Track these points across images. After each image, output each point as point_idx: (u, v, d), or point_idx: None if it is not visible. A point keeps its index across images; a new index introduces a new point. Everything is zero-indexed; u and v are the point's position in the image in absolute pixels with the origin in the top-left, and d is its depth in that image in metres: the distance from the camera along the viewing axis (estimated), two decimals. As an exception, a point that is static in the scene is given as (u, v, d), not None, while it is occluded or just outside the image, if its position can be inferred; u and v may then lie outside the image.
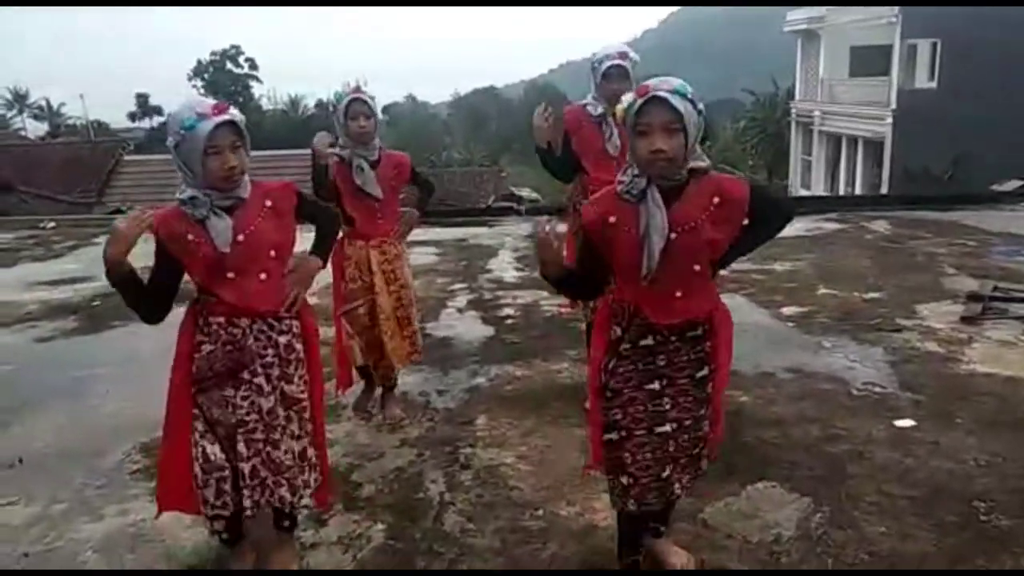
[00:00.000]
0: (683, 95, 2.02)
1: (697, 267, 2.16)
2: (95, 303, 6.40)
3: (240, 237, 2.30)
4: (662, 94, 2.01)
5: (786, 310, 5.59)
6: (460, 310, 5.96)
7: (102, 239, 7.40)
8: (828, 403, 3.96)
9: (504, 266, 7.43)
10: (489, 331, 5.40)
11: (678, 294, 2.18)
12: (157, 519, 2.70)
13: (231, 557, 2.68)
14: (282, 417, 2.45)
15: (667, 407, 2.29)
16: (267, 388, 2.41)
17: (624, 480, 2.32)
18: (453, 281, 6.84)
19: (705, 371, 2.31)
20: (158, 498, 2.59)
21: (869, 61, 22.83)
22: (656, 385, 2.28)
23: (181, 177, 2.30)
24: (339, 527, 2.99)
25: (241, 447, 2.38)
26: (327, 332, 3.72)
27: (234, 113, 2.24)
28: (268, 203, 2.37)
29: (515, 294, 6.33)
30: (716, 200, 2.13)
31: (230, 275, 2.31)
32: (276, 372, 2.43)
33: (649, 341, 2.25)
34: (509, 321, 5.62)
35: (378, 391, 4.02)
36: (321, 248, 2.63)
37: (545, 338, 5.13)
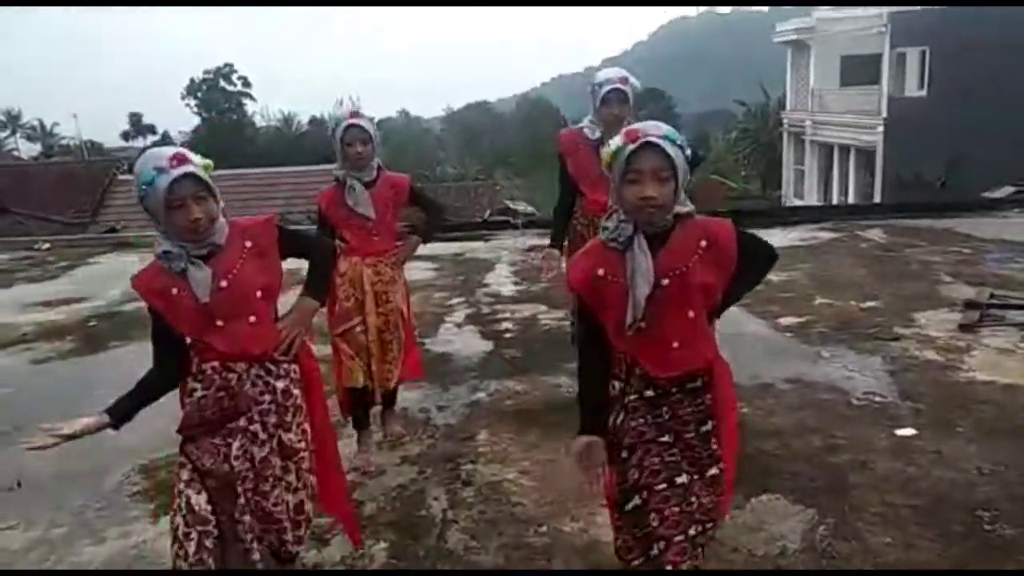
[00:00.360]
0: (673, 141, 1.98)
1: (691, 313, 2.08)
2: (91, 324, 6.39)
3: (223, 283, 2.22)
4: (654, 140, 1.96)
5: (783, 320, 5.60)
6: (459, 325, 5.96)
7: (97, 259, 7.39)
8: (828, 413, 3.97)
9: (502, 280, 7.44)
10: (488, 346, 5.40)
11: (675, 344, 2.09)
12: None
13: None
14: (278, 468, 2.34)
15: (679, 459, 2.16)
16: (263, 436, 2.31)
17: (655, 550, 2.12)
18: (451, 296, 6.84)
19: (708, 426, 2.18)
20: None
21: (859, 70, 23.01)
22: (668, 438, 2.15)
23: (155, 230, 2.25)
24: (342, 547, 2.97)
25: (242, 500, 2.28)
26: (324, 349, 3.71)
27: (195, 163, 2.14)
28: (248, 243, 2.28)
29: (513, 308, 6.33)
30: (703, 244, 2.07)
31: (219, 323, 2.24)
32: (273, 419, 2.33)
33: (651, 393, 2.15)
34: (508, 335, 5.61)
35: (377, 408, 3.99)
36: (314, 286, 2.51)
37: (544, 352, 5.13)
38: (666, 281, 2.04)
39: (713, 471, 2.18)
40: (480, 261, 8.38)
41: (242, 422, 2.29)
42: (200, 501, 2.26)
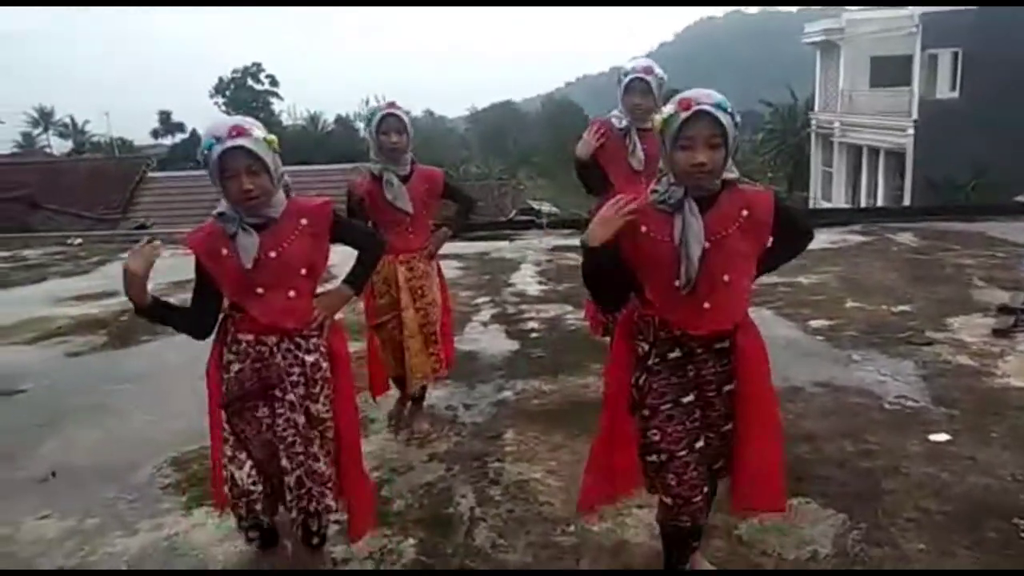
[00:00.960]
0: (724, 109, 2.04)
1: (726, 278, 2.15)
2: (123, 318, 6.46)
3: (272, 254, 2.31)
4: (707, 108, 2.02)
5: (814, 323, 5.54)
6: (485, 324, 5.96)
7: (128, 255, 7.42)
8: (860, 417, 3.92)
9: (527, 280, 7.43)
10: (514, 345, 5.40)
11: (706, 305, 2.17)
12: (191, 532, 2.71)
13: (263, 560, 2.66)
14: (312, 433, 2.45)
15: (698, 420, 2.28)
16: (297, 404, 2.41)
17: (669, 501, 2.29)
18: (477, 295, 6.85)
19: (732, 385, 2.28)
20: (215, 496, 2.62)
21: (890, 71, 22.70)
22: (691, 396, 2.27)
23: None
24: (370, 542, 2.97)
25: (284, 462, 2.39)
26: (358, 345, 3.74)
27: (251, 136, 2.20)
28: (303, 222, 2.36)
29: (539, 308, 6.32)
30: (745, 212, 2.15)
31: (259, 291, 2.33)
32: (301, 391, 2.42)
33: (677, 353, 2.24)
34: (534, 335, 5.61)
35: (408, 404, 4.02)
36: (357, 276, 2.62)
37: (571, 352, 5.12)
38: (707, 244, 2.11)
39: (727, 427, 2.31)
40: (505, 261, 8.39)
41: (278, 392, 2.38)
42: (242, 475, 2.39)
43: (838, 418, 3.92)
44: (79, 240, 10.80)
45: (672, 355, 2.24)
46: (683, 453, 2.25)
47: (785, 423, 3.83)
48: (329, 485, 2.47)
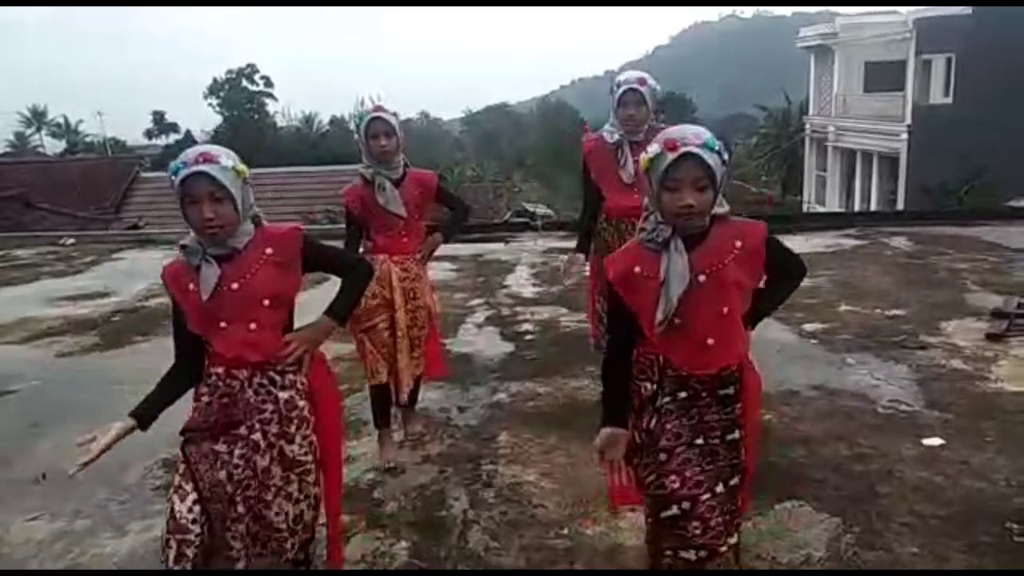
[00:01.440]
0: (712, 148, 1.98)
1: (726, 309, 2.09)
2: (115, 318, 6.44)
3: (234, 286, 2.21)
4: (693, 150, 1.96)
5: (808, 327, 5.54)
6: (479, 326, 5.95)
7: (120, 255, 7.48)
8: (854, 421, 3.92)
9: (522, 282, 7.43)
10: (508, 347, 5.39)
11: (710, 342, 2.10)
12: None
13: None
14: (278, 478, 2.30)
15: (711, 466, 2.16)
16: (263, 445, 2.28)
17: (692, 556, 2.11)
18: (471, 297, 6.83)
19: (736, 434, 2.18)
20: None
21: (884, 76, 22.79)
22: (702, 440, 2.15)
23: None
24: (362, 545, 2.97)
25: (240, 506, 2.26)
26: (349, 348, 3.70)
27: (218, 164, 2.13)
28: (268, 251, 2.25)
29: (533, 310, 6.31)
30: (739, 243, 2.09)
31: (222, 324, 2.24)
32: (274, 429, 2.28)
33: (684, 395, 2.15)
34: (528, 337, 5.60)
35: (397, 408, 3.98)
36: (339, 306, 2.41)
37: (565, 354, 5.11)
38: (702, 278, 2.07)
39: (734, 481, 2.18)
40: (500, 263, 8.38)
41: (243, 430, 2.26)
42: (183, 509, 2.21)
43: (832, 422, 3.91)
44: (72, 240, 10.75)
45: (681, 395, 2.15)
46: (707, 497, 2.10)
47: (779, 426, 3.87)
48: (276, 537, 2.31)
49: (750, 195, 27.29)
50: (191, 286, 2.22)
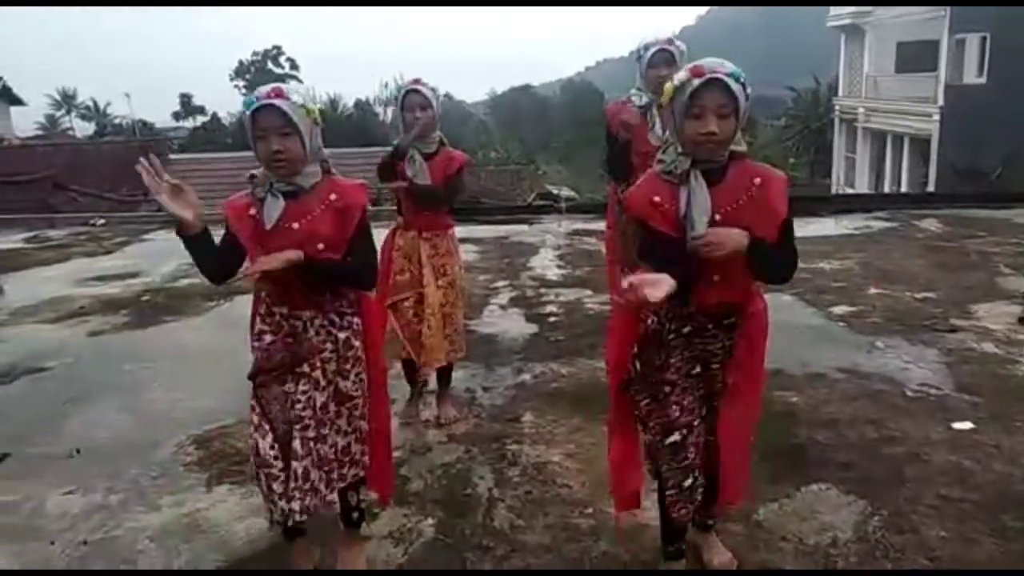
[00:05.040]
0: (737, 79, 2.00)
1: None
2: (144, 298, 6.53)
3: (295, 225, 2.29)
4: (720, 76, 1.98)
5: (836, 309, 5.48)
6: (503, 307, 5.96)
7: (150, 236, 7.58)
8: (883, 404, 3.88)
9: (546, 264, 7.41)
10: (533, 328, 5.39)
11: (715, 278, 2.16)
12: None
13: (291, 553, 2.67)
14: (332, 412, 2.45)
15: (702, 391, 2.30)
16: (323, 383, 2.41)
17: (688, 481, 2.28)
18: (495, 278, 6.84)
19: (728, 356, 2.29)
20: None
21: (916, 56, 22.32)
22: (699, 368, 2.28)
23: None
24: (390, 521, 3.00)
25: (296, 444, 2.36)
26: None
27: (288, 99, 2.21)
28: (333, 197, 2.33)
29: (558, 292, 6.30)
30: (757, 181, 2.11)
31: None
32: (333, 367, 2.42)
33: (688, 329, 2.23)
34: (552, 319, 5.60)
35: (428, 393, 4.01)
36: (324, 263, 2.31)
37: (589, 336, 5.10)
38: (718, 216, 2.09)
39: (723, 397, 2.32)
40: (525, 245, 8.36)
41: (306, 368, 2.38)
42: (265, 445, 2.38)
43: (860, 404, 3.88)
44: (102, 221, 10.89)
45: (685, 329, 2.24)
46: (698, 423, 2.28)
47: (806, 409, 3.84)
48: (326, 470, 2.44)
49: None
50: (252, 212, 2.30)
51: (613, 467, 2.51)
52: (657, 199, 2.12)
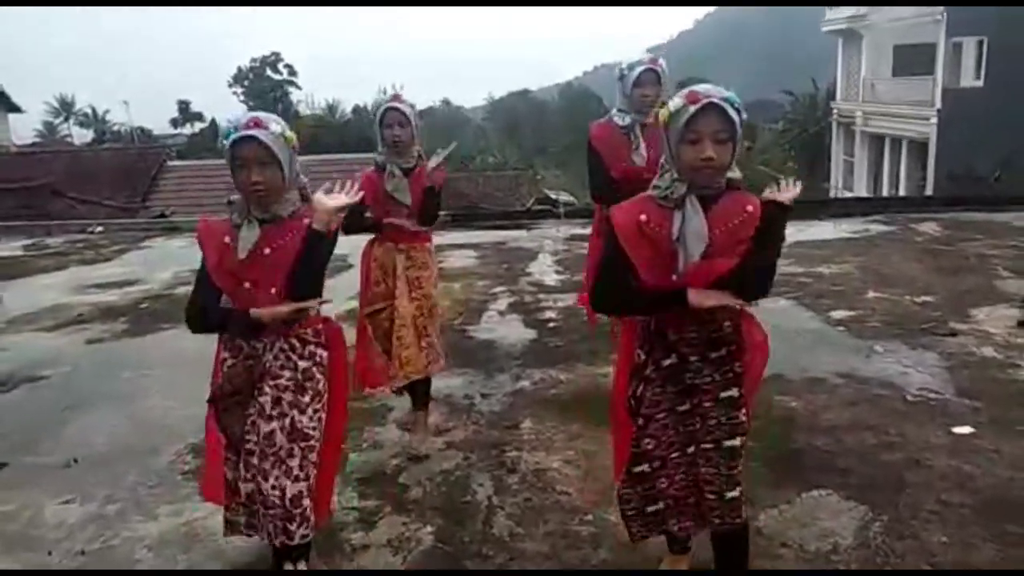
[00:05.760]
0: (732, 103, 1.99)
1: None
2: (143, 305, 6.53)
3: (267, 251, 2.28)
4: (716, 101, 1.97)
5: (835, 314, 5.48)
6: (501, 313, 5.95)
7: (148, 243, 7.57)
8: (882, 409, 3.87)
9: (544, 269, 7.41)
10: (531, 334, 5.38)
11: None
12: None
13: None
14: (283, 450, 2.31)
15: (697, 427, 2.20)
16: (273, 412, 2.31)
17: (654, 506, 2.27)
18: (494, 284, 6.83)
19: (733, 392, 2.19)
20: (200, 487, 2.65)
21: (913, 60, 22.35)
22: (687, 405, 2.20)
23: None
24: (388, 529, 2.99)
25: (242, 468, 2.33)
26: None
27: (267, 129, 2.19)
28: (307, 222, 2.29)
29: (556, 297, 6.30)
30: (750, 208, 2.10)
31: (246, 285, 2.30)
32: (289, 397, 2.33)
33: (672, 360, 2.18)
34: (551, 324, 5.59)
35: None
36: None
37: (588, 341, 5.09)
38: (716, 232, 2.07)
39: (731, 443, 2.20)
40: (523, 250, 8.36)
41: (256, 391, 2.33)
42: (236, 477, 2.36)
43: (859, 410, 3.87)
44: (100, 228, 10.88)
45: (666, 362, 2.18)
46: (676, 455, 2.21)
47: (805, 415, 3.84)
48: (271, 512, 2.31)
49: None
50: (227, 240, 2.29)
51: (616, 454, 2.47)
52: (644, 218, 2.10)
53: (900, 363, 4.49)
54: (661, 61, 3.86)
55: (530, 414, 4.01)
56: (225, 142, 2.21)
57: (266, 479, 2.30)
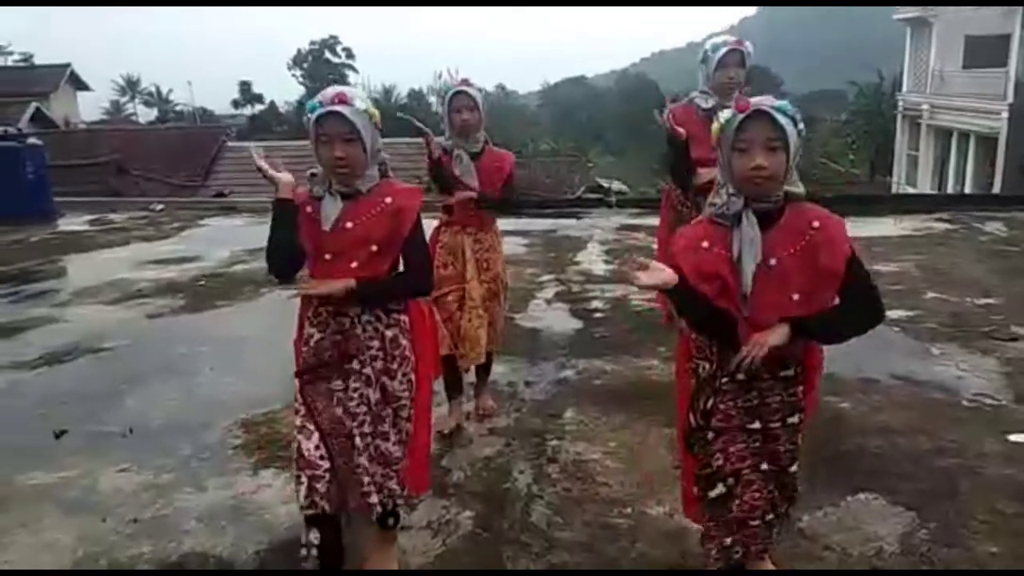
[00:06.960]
0: (784, 112, 1.94)
1: (796, 296, 2.02)
2: (200, 283, 6.70)
3: (348, 225, 2.33)
4: (765, 108, 1.93)
5: (892, 314, 5.32)
6: (548, 302, 5.95)
7: (206, 222, 7.75)
8: (936, 413, 3.77)
9: (593, 259, 7.38)
10: (577, 324, 5.37)
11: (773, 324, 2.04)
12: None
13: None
14: (377, 416, 2.42)
15: (761, 448, 2.15)
16: (366, 381, 2.40)
17: (729, 540, 2.14)
18: (541, 272, 6.83)
19: (796, 418, 2.15)
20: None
21: (985, 51, 21.47)
22: (757, 424, 2.13)
23: None
24: (428, 512, 3.03)
25: (357, 440, 2.37)
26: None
27: (352, 105, 2.22)
28: (388, 200, 2.34)
29: (604, 287, 6.27)
30: (816, 224, 2.01)
31: (327, 256, 2.35)
32: (379, 365, 2.41)
33: (742, 376, 2.11)
34: (598, 315, 5.57)
35: (470, 380, 4.01)
36: (371, 286, 2.35)
37: (634, 333, 5.07)
38: (773, 261, 2.01)
39: (793, 468, 2.17)
40: (572, 239, 8.34)
41: (355, 365, 2.39)
42: (309, 447, 2.36)
43: (913, 413, 3.77)
44: (161, 206, 11.20)
45: (739, 376, 2.11)
46: (747, 472, 2.11)
47: (856, 415, 3.76)
48: (395, 468, 2.45)
49: (834, 173, 26.25)
50: (309, 210, 2.34)
51: (684, 482, 2.43)
52: (706, 244, 2.05)
53: (957, 367, 4.36)
54: (747, 43, 3.76)
55: (573, 404, 4.01)
56: (311, 115, 2.24)
57: (386, 439, 2.42)
